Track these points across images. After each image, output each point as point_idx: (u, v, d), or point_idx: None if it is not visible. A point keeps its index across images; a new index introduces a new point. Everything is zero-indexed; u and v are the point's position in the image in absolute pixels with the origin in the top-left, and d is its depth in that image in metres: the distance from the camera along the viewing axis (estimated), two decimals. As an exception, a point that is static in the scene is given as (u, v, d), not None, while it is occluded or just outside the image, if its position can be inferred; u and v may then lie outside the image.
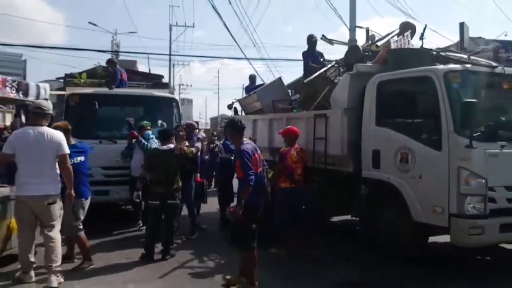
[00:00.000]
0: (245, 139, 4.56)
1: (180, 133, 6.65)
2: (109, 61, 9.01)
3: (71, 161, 4.64)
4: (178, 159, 5.68)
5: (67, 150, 4.48)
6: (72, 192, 4.57)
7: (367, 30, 8.22)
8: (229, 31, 16.64)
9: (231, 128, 4.67)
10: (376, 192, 5.62)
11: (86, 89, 8.00)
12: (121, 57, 42.28)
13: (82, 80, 9.01)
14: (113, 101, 7.79)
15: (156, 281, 4.66)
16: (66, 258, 4.89)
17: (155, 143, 6.58)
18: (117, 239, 6.49)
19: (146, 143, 6.55)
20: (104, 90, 8.02)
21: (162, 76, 42.67)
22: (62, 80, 10.32)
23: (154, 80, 10.67)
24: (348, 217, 6.88)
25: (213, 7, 12.44)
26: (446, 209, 4.57)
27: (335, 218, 7.67)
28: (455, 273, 5.03)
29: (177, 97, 8.29)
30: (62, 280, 4.35)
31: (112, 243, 6.20)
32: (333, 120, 6.24)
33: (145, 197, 5.90)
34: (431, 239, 5.39)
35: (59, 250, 4.39)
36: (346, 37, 10.90)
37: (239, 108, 9.70)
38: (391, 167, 5.28)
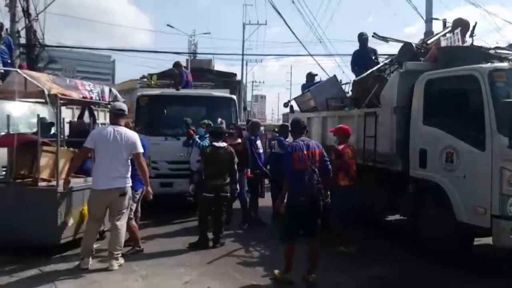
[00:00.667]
0: (303, 137, 4.79)
1: (231, 131, 7.13)
2: (176, 64, 9.75)
3: None
4: (229, 156, 6.10)
5: (141, 149, 5.01)
6: (149, 188, 5.19)
7: (444, 22, 7.86)
8: (291, 29, 16.33)
9: (292, 126, 5.04)
10: (422, 192, 5.59)
11: (154, 91, 8.79)
12: (198, 57, 44.28)
13: (153, 82, 9.85)
14: (177, 101, 8.49)
15: (204, 266, 5.10)
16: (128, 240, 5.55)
17: (206, 141, 7.06)
18: (177, 226, 7.08)
19: (198, 141, 7.06)
20: (170, 91, 8.74)
21: (235, 74, 43.24)
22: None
23: (228, 78, 11.36)
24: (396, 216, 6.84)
25: (273, 7, 12.56)
26: (488, 210, 4.48)
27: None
28: (498, 276, 4.90)
29: (234, 97, 8.68)
30: (122, 262, 4.96)
31: (172, 230, 6.82)
32: (383, 119, 6.28)
33: (200, 190, 6.39)
34: (483, 241, 5.27)
35: (122, 238, 4.98)
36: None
37: (295, 106, 9.92)
38: (437, 166, 5.23)
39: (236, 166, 6.16)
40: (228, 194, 6.09)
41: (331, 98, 8.06)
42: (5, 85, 6.58)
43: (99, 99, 6.66)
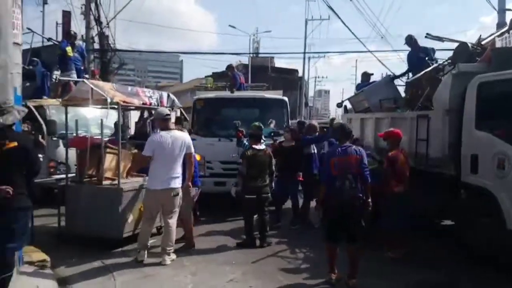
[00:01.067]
0: (347, 142, 4.86)
1: (286, 133, 7.33)
2: (228, 67, 10.09)
3: None
4: (268, 158, 6.31)
5: (192, 150, 5.50)
6: (190, 183, 5.60)
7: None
8: (348, 28, 15.86)
9: (339, 131, 5.13)
10: (474, 198, 5.40)
11: (210, 94, 9.20)
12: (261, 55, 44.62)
13: (209, 85, 10.30)
14: (231, 104, 8.84)
15: (248, 265, 5.35)
16: (181, 239, 5.95)
17: (247, 143, 7.30)
18: (230, 225, 7.41)
19: (246, 143, 7.31)
20: (224, 94, 9.10)
21: (296, 71, 43.49)
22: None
23: (288, 75, 11.56)
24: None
25: (329, 7, 12.48)
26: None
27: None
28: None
29: (286, 98, 8.83)
30: (174, 257, 5.36)
31: (224, 228, 7.15)
32: (435, 121, 6.12)
33: (242, 192, 6.58)
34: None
35: (174, 236, 5.37)
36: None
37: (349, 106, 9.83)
38: (488, 172, 5.05)
39: (274, 168, 6.35)
40: (269, 195, 6.29)
41: (384, 99, 7.93)
42: (74, 92, 7.27)
43: (158, 104, 7.13)
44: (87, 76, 10.64)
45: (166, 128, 5.30)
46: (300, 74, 42.25)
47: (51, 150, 8.30)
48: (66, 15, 20.61)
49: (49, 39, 10.59)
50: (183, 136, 5.39)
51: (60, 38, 15.24)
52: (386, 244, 5.77)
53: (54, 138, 8.31)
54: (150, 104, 7.06)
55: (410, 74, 7.96)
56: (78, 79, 8.97)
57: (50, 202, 6.98)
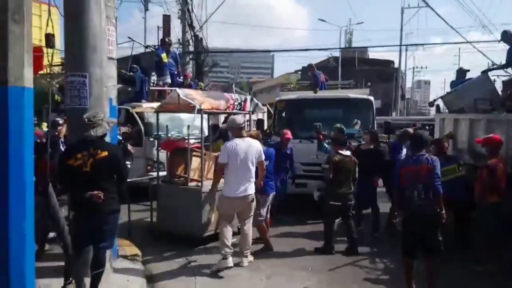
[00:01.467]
0: (423, 152, 4.58)
1: (364, 135, 7.10)
2: (308, 67, 9.99)
3: None
4: (354, 165, 6.15)
5: (263, 157, 5.57)
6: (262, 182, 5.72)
7: None
8: (440, 17, 14.10)
9: (413, 140, 4.87)
10: None
11: (292, 95, 9.22)
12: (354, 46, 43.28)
13: (291, 85, 10.32)
14: (313, 105, 8.74)
15: (325, 273, 5.30)
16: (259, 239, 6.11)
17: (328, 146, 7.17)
18: (309, 227, 7.37)
19: (326, 146, 7.18)
20: (306, 94, 9.05)
21: (391, 62, 41.47)
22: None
23: (383, 67, 11.09)
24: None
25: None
26: None
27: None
28: None
29: (372, 98, 8.50)
30: (251, 259, 5.52)
31: (304, 231, 7.14)
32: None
33: (326, 198, 6.51)
34: None
35: (250, 238, 5.52)
36: None
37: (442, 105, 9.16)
38: None
39: (357, 174, 6.20)
40: (353, 202, 6.14)
41: (480, 99, 7.25)
42: (167, 99, 7.82)
43: (240, 109, 7.35)
44: (180, 79, 11.33)
45: (240, 136, 5.40)
46: (396, 65, 40.28)
47: (149, 150, 9.05)
48: (166, 20, 22.04)
49: (147, 47, 11.47)
50: (255, 143, 5.47)
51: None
52: (478, 257, 5.33)
53: (151, 139, 9.04)
54: (233, 108, 7.35)
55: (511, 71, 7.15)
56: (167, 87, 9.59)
57: (145, 198, 7.62)
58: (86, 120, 4.04)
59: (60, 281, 4.26)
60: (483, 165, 5.34)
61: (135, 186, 7.67)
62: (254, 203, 5.50)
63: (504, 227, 5.19)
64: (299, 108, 8.68)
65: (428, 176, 4.36)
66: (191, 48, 20.54)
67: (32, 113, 3.36)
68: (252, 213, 5.52)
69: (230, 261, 5.23)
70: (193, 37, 20.31)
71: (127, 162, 4.69)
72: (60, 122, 7.92)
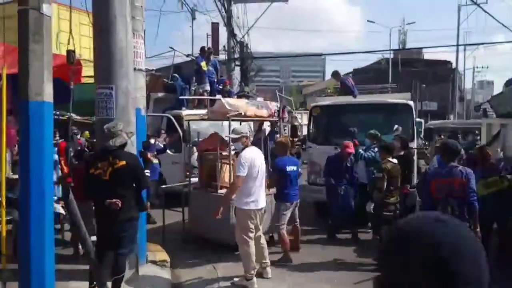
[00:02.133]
0: (452, 163, 4.31)
1: (395, 141, 6.84)
2: (334, 74, 9.75)
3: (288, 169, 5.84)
4: (399, 172, 6.00)
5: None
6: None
7: None
8: (493, 17, 12.36)
9: (444, 149, 4.60)
10: None
11: (327, 100, 9.05)
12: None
13: (329, 90, 10.14)
14: (349, 110, 8.53)
15: (350, 286, 5.14)
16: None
17: (372, 153, 6.93)
18: (338, 238, 7.18)
19: (362, 152, 6.96)
20: (342, 100, 8.84)
21: (448, 62, 39.82)
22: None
23: (439, 67, 10.55)
24: None
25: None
26: None
27: None
28: None
29: (411, 103, 8.13)
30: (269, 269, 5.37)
31: (334, 242, 6.97)
32: None
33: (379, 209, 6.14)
34: None
35: (266, 250, 5.37)
36: None
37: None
38: None
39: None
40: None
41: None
42: (214, 107, 8.01)
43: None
44: (220, 86, 11.52)
45: (248, 145, 5.21)
46: (453, 65, 38.33)
47: (187, 157, 9.27)
48: (215, 28, 22.48)
49: (187, 55, 11.79)
50: (261, 153, 5.41)
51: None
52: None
53: (189, 145, 9.27)
54: (274, 116, 7.40)
55: None
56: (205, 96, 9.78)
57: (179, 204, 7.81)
58: (106, 130, 4.25)
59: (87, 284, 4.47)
60: None
61: (171, 192, 7.93)
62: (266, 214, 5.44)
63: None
64: (335, 114, 8.49)
65: (462, 190, 4.06)
66: (237, 55, 20.85)
67: (51, 125, 3.57)
68: (262, 225, 5.39)
69: (255, 281, 5.06)
70: (237, 44, 20.64)
71: (146, 171, 4.80)
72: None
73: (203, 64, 10.51)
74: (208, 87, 10.46)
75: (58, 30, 18.71)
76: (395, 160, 6.03)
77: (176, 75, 10.70)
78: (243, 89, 17.93)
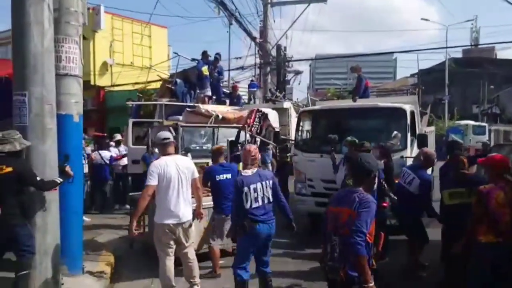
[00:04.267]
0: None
1: (373, 150, 6.09)
2: (353, 69, 8.97)
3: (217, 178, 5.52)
4: None
5: (197, 175, 4.90)
6: (201, 211, 5.07)
7: None
8: None
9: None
10: None
11: (318, 105, 8.41)
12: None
13: (329, 94, 9.42)
14: (338, 115, 7.82)
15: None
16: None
17: None
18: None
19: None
20: (332, 104, 8.14)
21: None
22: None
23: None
24: None
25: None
26: None
27: None
28: None
29: (406, 107, 7.18)
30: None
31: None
32: None
33: None
34: None
35: (196, 267, 4.88)
36: None
37: None
38: None
39: None
40: None
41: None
42: (189, 113, 7.85)
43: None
44: (226, 90, 11.29)
45: (167, 153, 4.76)
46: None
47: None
48: (263, 32, 22.29)
49: (192, 60, 11.69)
50: (187, 160, 4.97)
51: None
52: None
53: (183, 152, 9.14)
54: (253, 121, 7.04)
55: None
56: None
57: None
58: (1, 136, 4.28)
59: None
60: (476, 191, 4.06)
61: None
62: (193, 229, 4.98)
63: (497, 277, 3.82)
64: (323, 120, 7.83)
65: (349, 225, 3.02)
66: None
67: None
68: (192, 240, 4.94)
69: None
70: (274, 46, 20.26)
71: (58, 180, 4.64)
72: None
73: (204, 69, 10.33)
74: (209, 92, 10.25)
75: (111, 39, 19.86)
76: None
77: (177, 80, 10.63)
78: (274, 94, 17.54)
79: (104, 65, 19.14)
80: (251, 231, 4.28)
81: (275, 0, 20.58)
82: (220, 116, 7.62)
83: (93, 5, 18.51)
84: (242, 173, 4.48)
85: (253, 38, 17.36)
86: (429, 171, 6.12)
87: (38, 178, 4.33)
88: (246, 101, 14.36)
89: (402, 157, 6.68)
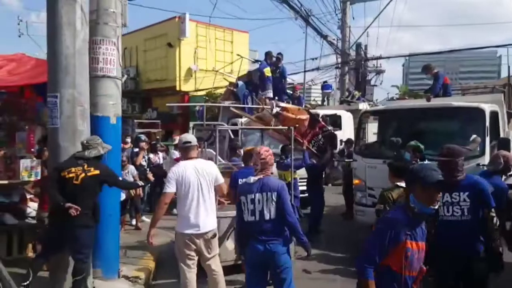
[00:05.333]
0: None
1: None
2: (426, 68, 7.88)
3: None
4: None
5: (221, 181, 4.54)
6: None
7: None
8: None
9: None
10: None
11: (387, 105, 7.50)
12: None
13: (400, 92, 8.43)
14: (405, 117, 6.85)
15: None
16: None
17: None
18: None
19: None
20: (399, 104, 7.19)
21: None
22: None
23: None
24: None
25: None
26: None
27: None
28: None
29: (485, 107, 6.07)
30: None
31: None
32: None
33: None
34: None
35: (222, 280, 4.57)
36: None
37: None
38: None
39: None
40: None
41: None
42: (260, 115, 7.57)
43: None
44: (289, 92, 10.80)
45: (189, 157, 4.39)
46: None
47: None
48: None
49: (255, 61, 11.34)
50: (209, 164, 4.52)
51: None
52: None
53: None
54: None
55: None
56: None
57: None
58: (85, 142, 4.54)
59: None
60: None
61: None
62: (216, 239, 4.53)
63: None
64: (388, 121, 6.95)
65: None
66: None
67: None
68: (216, 251, 4.51)
69: None
70: (354, 44, 19.25)
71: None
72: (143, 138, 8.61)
73: (266, 70, 9.94)
74: (270, 94, 9.83)
75: (196, 45, 20.54)
76: (403, 184, 4.50)
77: (239, 82, 10.40)
78: (351, 94, 16.61)
79: (189, 71, 19.79)
80: (247, 249, 3.75)
81: (355, -4, 19.63)
82: (278, 109, 7.09)
83: (179, 14, 19.34)
84: (246, 180, 3.89)
85: (324, 36, 16.54)
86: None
87: (120, 179, 4.72)
88: (317, 101, 13.65)
89: (478, 164, 5.63)
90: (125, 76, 9.46)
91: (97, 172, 4.41)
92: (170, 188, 4.22)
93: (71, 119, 4.67)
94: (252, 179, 3.77)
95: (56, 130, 4.63)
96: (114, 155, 5.28)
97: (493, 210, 3.63)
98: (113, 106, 5.30)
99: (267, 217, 3.64)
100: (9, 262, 5.11)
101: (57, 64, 4.62)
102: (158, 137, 12.21)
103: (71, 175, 4.32)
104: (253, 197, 3.68)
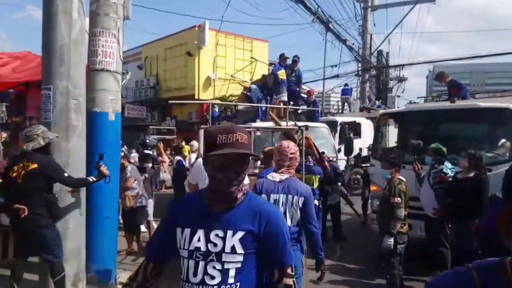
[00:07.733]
0: None
1: (462, 159, 4.73)
2: (439, 76, 7.39)
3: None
4: None
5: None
6: None
7: None
8: None
9: None
10: None
11: (408, 107, 7.02)
12: None
13: (429, 98, 7.95)
14: (426, 118, 6.34)
15: None
16: None
17: (448, 169, 5.07)
18: None
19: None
20: (419, 106, 6.70)
21: None
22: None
23: None
24: None
25: None
26: None
27: None
28: None
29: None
30: None
31: None
32: None
33: None
34: None
35: None
36: None
37: None
38: None
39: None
40: None
41: None
42: None
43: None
44: (304, 95, 10.42)
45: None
46: None
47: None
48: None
49: (270, 65, 11.02)
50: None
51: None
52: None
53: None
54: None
55: None
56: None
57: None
58: (24, 134, 4.15)
59: None
60: None
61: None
62: None
63: None
64: (408, 124, 6.45)
65: None
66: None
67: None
68: None
69: None
70: (376, 51, 18.76)
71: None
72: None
73: (280, 73, 9.58)
74: (284, 97, 9.46)
75: (215, 54, 20.45)
76: (402, 178, 4.73)
77: (252, 86, 10.08)
78: (372, 101, 16.10)
79: (208, 80, 19.68)
80: None
81: (377, 2, 19.16)
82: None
83: (199, 23, 19.30)
84: (268, 176, 3.40)
85: (343, 41, 16.11)
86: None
87: (66, 174, 4.07)
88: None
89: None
90: (129, 73, 9.17)
91: (34, 165, 3.94)
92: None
93: (65, 113, 4.39)
94: (278, 177, 3.27)
95: (49, 124, 4.35)
96: (112, 156, 4.98)
97: None
98: (112, 101, 5.01)
99: (288, 222, 3.14)
100: (5, 265, 4.91)
101: (51, 54, 4.36)
102: (174, 144, 12.01)
103: (14, 174, 3.99)
104: (276, 197, 3.20)
